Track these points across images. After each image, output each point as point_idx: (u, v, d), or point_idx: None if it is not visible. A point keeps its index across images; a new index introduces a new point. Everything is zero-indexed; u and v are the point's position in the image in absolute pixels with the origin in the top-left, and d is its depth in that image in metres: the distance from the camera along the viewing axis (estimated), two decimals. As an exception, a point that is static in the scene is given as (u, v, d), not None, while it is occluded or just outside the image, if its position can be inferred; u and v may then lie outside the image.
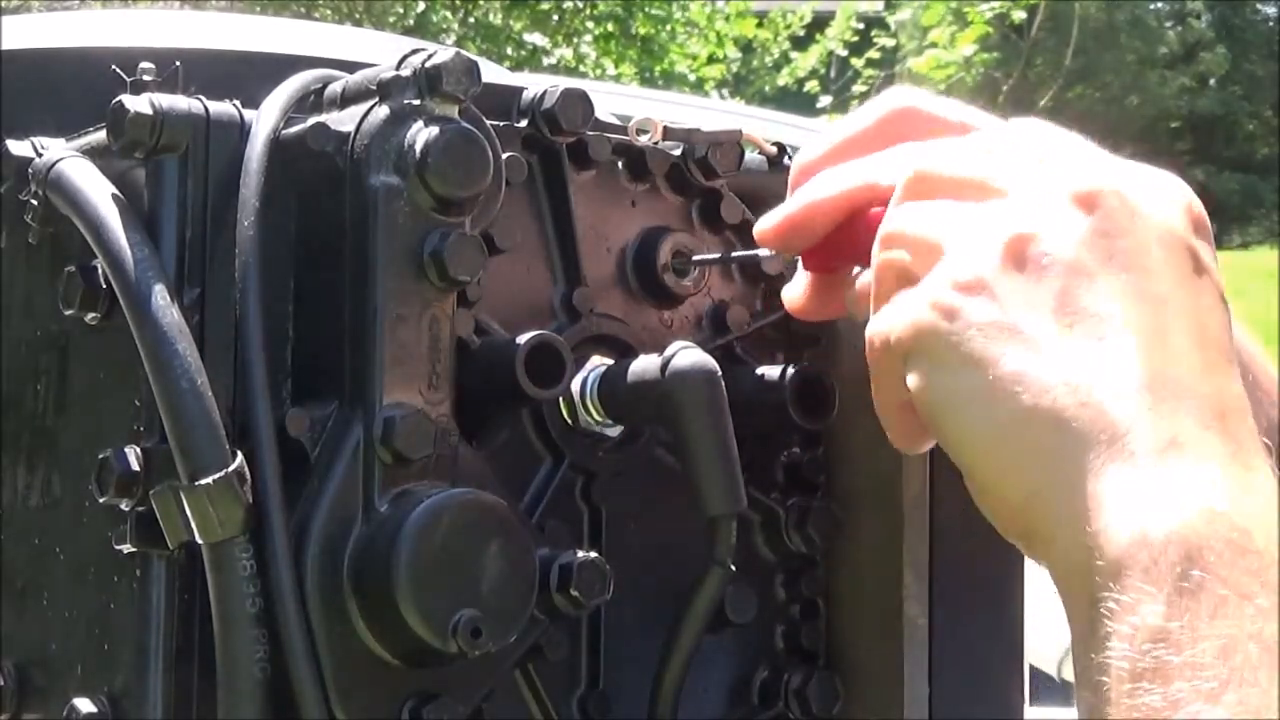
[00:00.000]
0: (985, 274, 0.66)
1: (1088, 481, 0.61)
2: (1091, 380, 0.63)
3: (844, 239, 0.77)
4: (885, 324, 0.69)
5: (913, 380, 0.67)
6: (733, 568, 0.79)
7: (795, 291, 0.82)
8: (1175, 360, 0.63)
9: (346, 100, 0.77)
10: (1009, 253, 0.66)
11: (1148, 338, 0.64)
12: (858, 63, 11.04)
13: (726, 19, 10.74)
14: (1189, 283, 0.66)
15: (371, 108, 0.75)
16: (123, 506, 0.72)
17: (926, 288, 0.67)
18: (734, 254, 0.87)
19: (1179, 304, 0.65)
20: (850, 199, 0.76)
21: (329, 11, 9.09)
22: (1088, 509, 0.61)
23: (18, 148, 0.80)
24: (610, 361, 0.83)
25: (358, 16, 9.06)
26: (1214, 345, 0.65)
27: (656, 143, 0.87)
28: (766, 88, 11.07)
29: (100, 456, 0.72)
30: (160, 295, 0.71)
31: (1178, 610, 0.58)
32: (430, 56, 0.74)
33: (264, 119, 0.76)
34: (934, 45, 10.42)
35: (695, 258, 0.86)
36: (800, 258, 0.80)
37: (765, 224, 0.79)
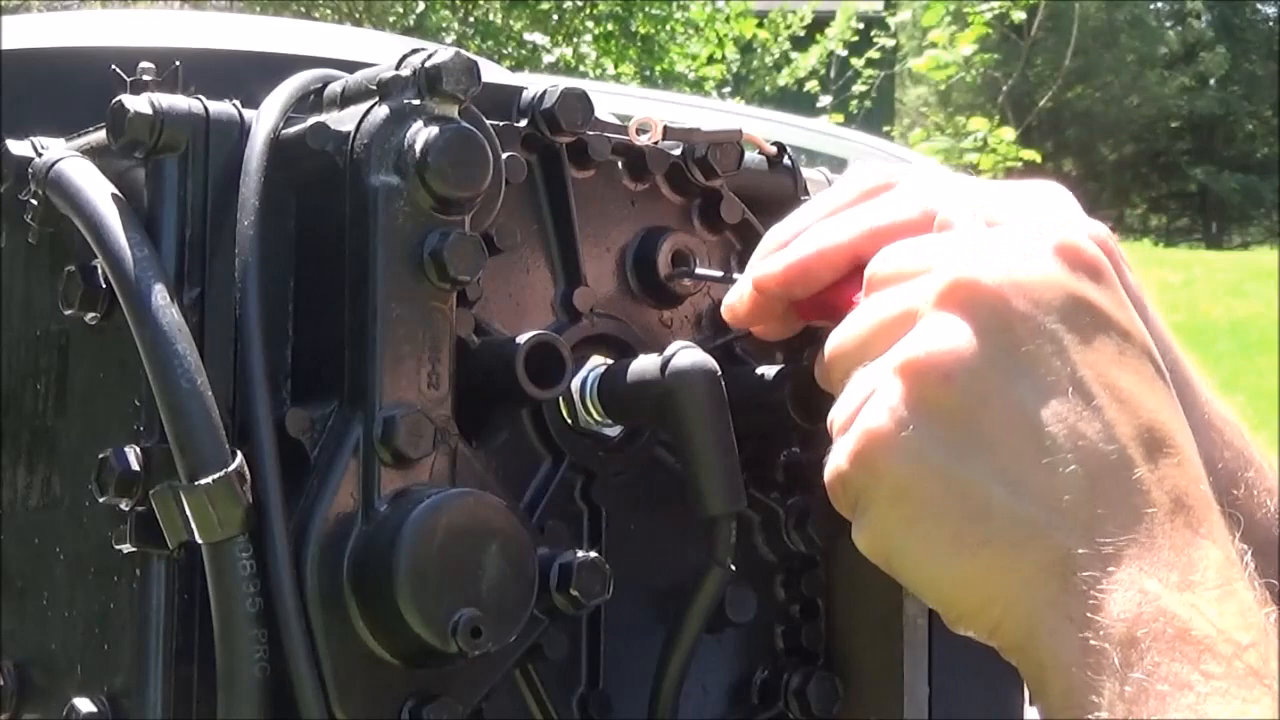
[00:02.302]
0: (893, 419, 0.66)
1: (1038, 611, 0.64)
2: (1021, 508, 0.64)
3: (827, 302, 0.77)
4: (829, 468, 0.70)
5: (856, 533, 0.70)
6: (733, 568, 0.79)
7: (739, 308, 0.82)
8: (1097, 454, 0.64)
9: (346, 100, 0.77)
10: (910, 385, 0.66)
11: (1067, 441, 0.64)
12: (858, 63, 11.03)
13: (727, 19, 10.74)
14: (1089, 343, 0.66)
15: (371, 107, 0.74)
16: (123, 506, 0.72)
17: (848, 436, 0.68)
18: (733, 275, 0.87)
19: (1087, 380, 0.65)
20: (851, 249, 0.77)
21: (329, 11, 9.09)
22: (1039, 635, 0.64)
23: (18, 148, 0.80)
24: (610, 361, 0.83)
25: (358, 16, 9.06)
26: (1133, 406, 0.65)
27: (656, 142, 0.87)
28: (766, 88, 11.06)
29: (100, 456, 0.72)
30: (160, 295, 0.71)
31: (1121, 715, 0.61)
32: (430, 56, 0.74)
33: (264, 119, 0.76)
34: (934, 45, 10.41)
35: (698, 272, 0.86)
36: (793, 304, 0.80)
37: (765, 270, 0.79)
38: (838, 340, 0.72)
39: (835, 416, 0.70)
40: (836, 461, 0.69)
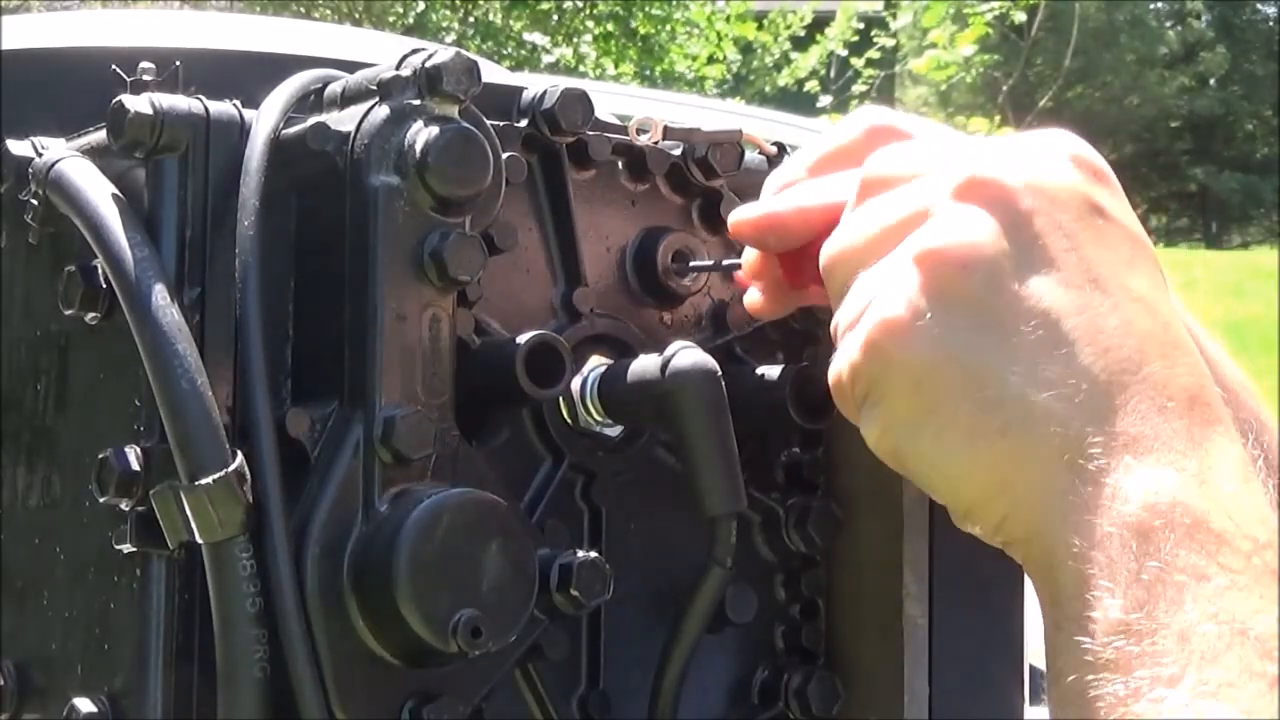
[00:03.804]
0: (910, 307, 0.66)
1: (1051, 499, 0.63)
2: (1038, 397, 0.63)
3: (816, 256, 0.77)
4: (835, 366, 0.70)
5: (865, 428, 0.68)
6: (733, 567, 0.79)
7: (754, 295, 0.82)
8: (1115, 347, 0.64)
9: (346, 100, 0.77)
10: (928, 274, 0.66)
11: (1085, 334, 0.64)
12: (858, 63, 11.04)
13: (727, 19, 10.75)
14: (1104, 244, 0.66)
15: (371, 107, 0.74)
16: (123, 506, 0.72)
17: (859, 329, 0.67)
18: (725, 261, 0.87)
19: (1104, 277, 0.65)
20: (830, 212, 0.76)
21: (329, 11, 9.09)
22: (1051, 523, 0.63)
23: (18, 148, 0.80)
24: (610, 361, 0.83)
25: (358, 16, 9.07)
26: (1148, 306, 0.65)
27: (656, 143, 0.87)
28: (766, 88, 11.07)
29: (100, 456, 0.72)
30: (160, 295, 0.71)
31: (1135, 602, 0.59)
32: (430, 56, 0.74)
33: (264, 119, 0.76)
34: (934, 45, 10.41)
35: (691, 264, 0.86)
36: (780, 263, 0.80)
37: (742, 215, 0.79)
38: (839, 244, 0.71)
39: (840, 319, 0.69)
40: (847, 355, 0.68)
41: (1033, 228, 0.65)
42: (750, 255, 0.81)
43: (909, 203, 0.69)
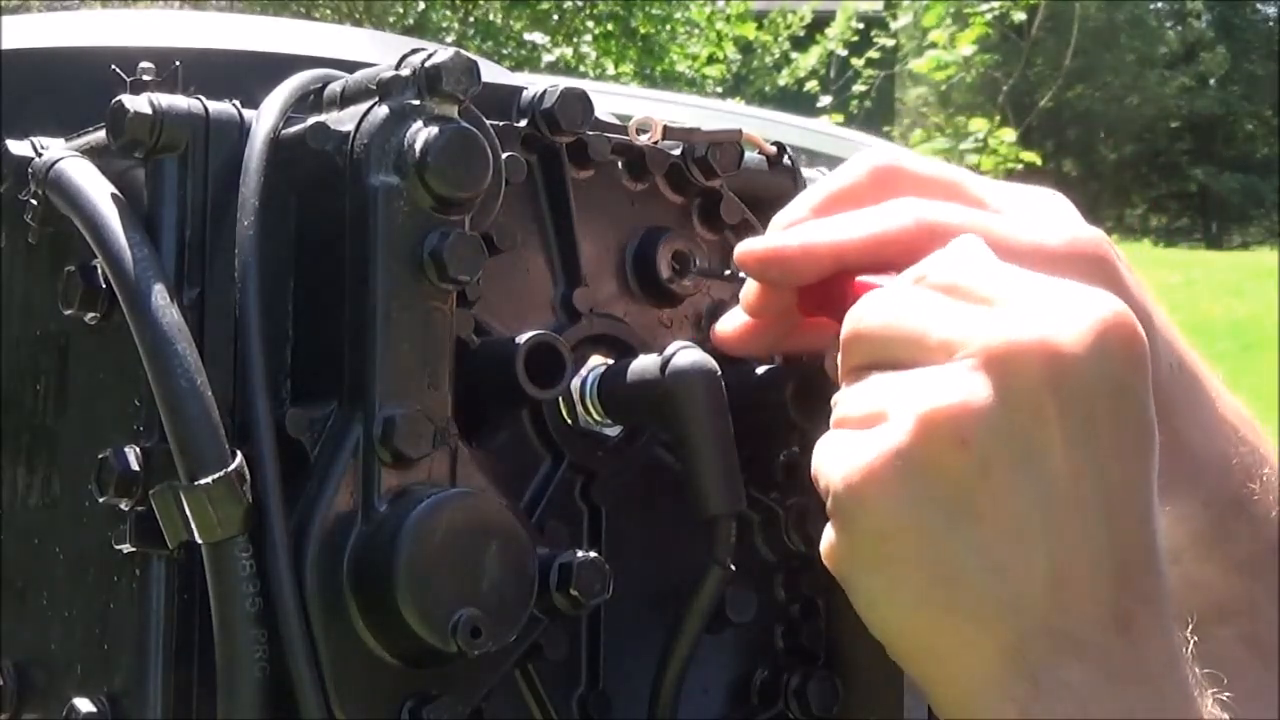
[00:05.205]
0: (892, 462, 0.65)
1: (984, 689, 0.65)
2: (990, 588, 0.65)
3: (830, 295, 0.77)
4: (819, 459, 0.70)
5: (825, 541, 0.69)
6: (732, 568, 0.79)
7: (729, 325, 0.82)
8: (1080, 558, 0.64)
9: (346, 100, 0.77)
10: (922, 436, 0.65)
11: (1053, 533, 0.64)
12: (858, 63, 11.04)
13: (727, 19, 10.76)
14: (1106, 444, 0.65)
15: (371, 107, 0.74)
16: (122, 506, 0.72)
17: (846, 458, 0.67)
18: (729, 271, 0.87)
19: (1093, 479, 0.65)
20: (833, 251, 0.76)
21: (329, 11, 9.10)
22: (982, 702, 0.65)
23: (18, 148, 0.80)
24: (610, 361, 0.83)
25: (358, 16, 9.07)
26: (1130, 525, 0.65)
27: (656, 142, 0.87)
28: (766, 88, 11.07)
29: (100, 456, 0.72)
30: (160, 295, 0.71)
31: None
32: (430, 56, 0.74)
33: (264, 119, 0.76)
34: (934, 45, 10.40)
35: (697, 268, 0.86)
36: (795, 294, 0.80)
37: (748, 247, 0.78)
38: (867, 320, 0.70)
39: (841, 409, 0.70)
40: (831, 471, 0.68)
41: (1041, 414, 0.64)
42: (750, 288, 0.81)
43: (945, 328, 0.67)
